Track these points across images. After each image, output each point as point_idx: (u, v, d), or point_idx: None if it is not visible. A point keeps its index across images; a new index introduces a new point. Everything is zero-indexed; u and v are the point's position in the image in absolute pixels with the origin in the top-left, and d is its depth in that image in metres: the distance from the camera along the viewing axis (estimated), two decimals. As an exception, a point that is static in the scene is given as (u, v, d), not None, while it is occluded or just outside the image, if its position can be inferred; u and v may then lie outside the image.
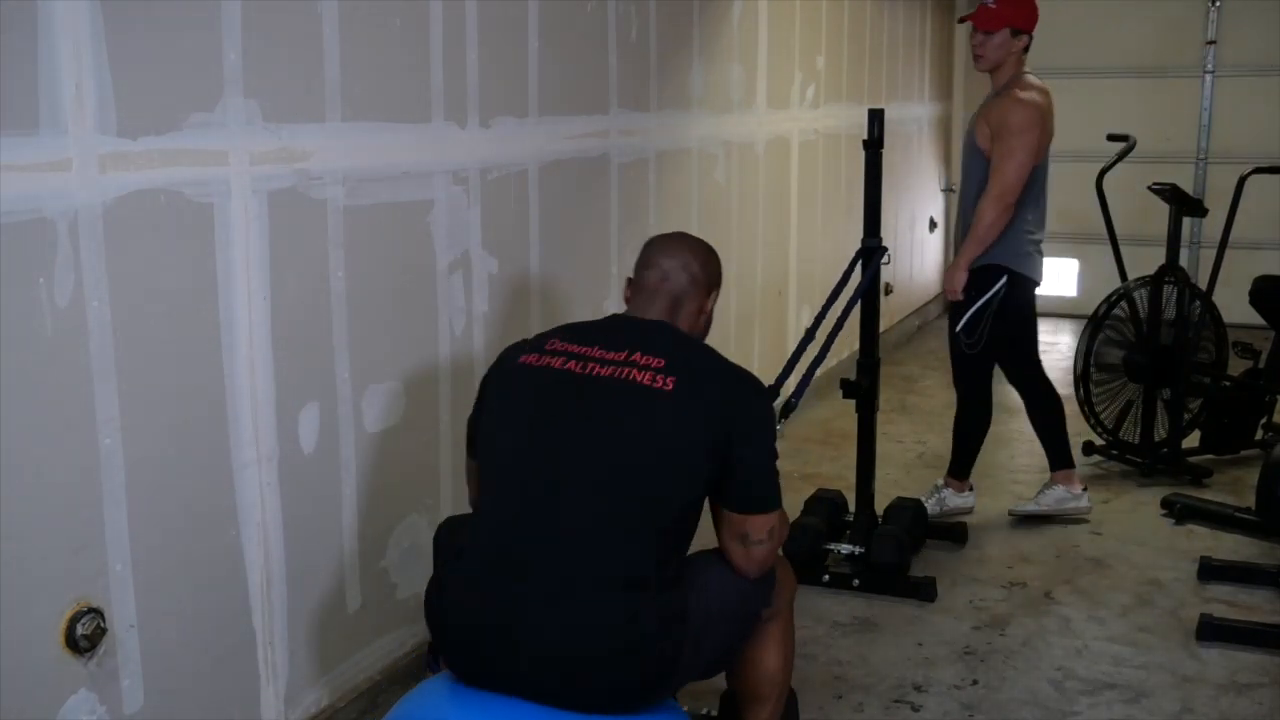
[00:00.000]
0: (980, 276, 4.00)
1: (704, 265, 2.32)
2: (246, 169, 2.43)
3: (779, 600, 2.30)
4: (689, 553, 2.17)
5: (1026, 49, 4.02)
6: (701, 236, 2.46)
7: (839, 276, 3.74)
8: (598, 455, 2.04)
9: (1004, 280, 3.98)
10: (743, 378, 2.17)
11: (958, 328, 4.04)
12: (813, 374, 3.35)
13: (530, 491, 2.06)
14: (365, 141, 2.77)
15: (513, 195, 3.34)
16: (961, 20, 4.19)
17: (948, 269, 4.09)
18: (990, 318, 3.99)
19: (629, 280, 2.36)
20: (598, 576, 1.99)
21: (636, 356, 2.09)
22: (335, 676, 2.82)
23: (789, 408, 3.13)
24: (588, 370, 2.10)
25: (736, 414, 2.08)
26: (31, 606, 2.08)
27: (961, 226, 4.11)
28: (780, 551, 2.29)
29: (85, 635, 2.14)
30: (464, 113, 3.09)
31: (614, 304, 3.95)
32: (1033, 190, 4.02)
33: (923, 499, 4.11)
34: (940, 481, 4.39)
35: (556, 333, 2.25)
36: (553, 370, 2.13)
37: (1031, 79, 4.04)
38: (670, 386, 2.04)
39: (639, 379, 2.06)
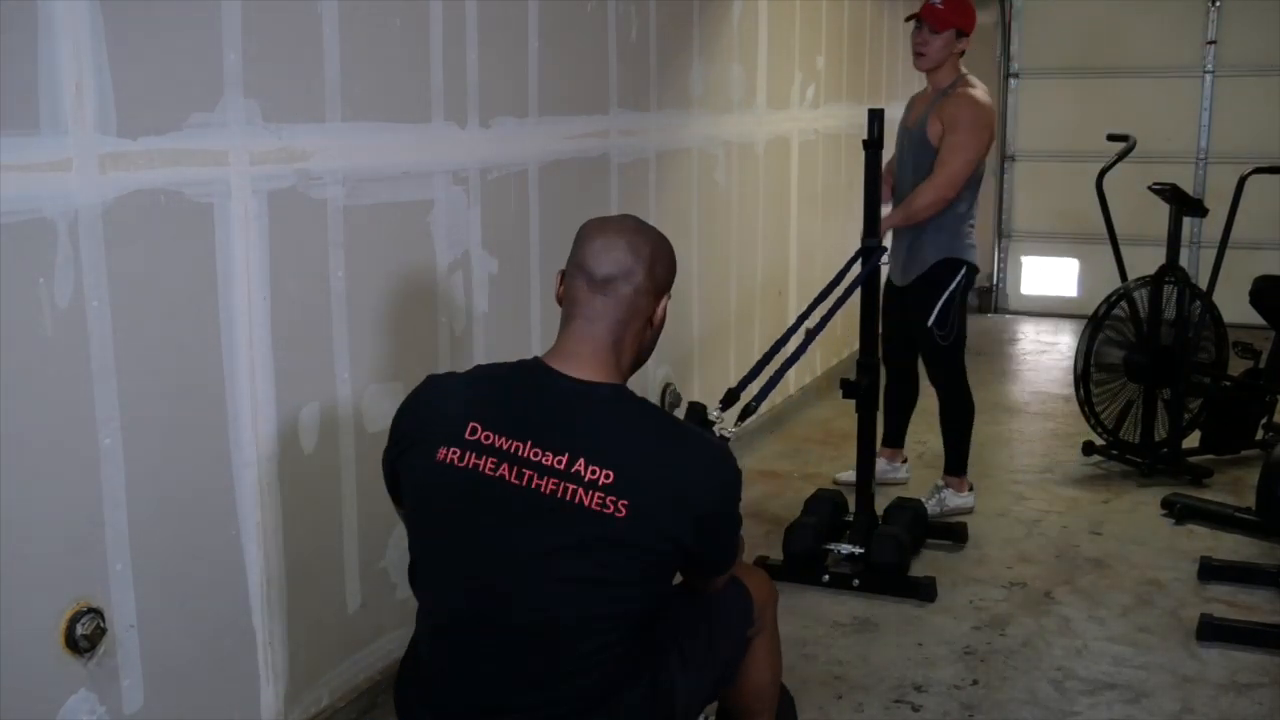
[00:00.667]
0: (940, 270, 4.13)
1: (651, 266, 1.90)
2: (246, 169, 2.43)
3: (762, 616, 2.24)
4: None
5: (963, 53, 4.16)
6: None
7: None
8: (554, 593, 1.81)
9: (964, 271, 4.15)
10: (699, 458, 1.86)
11: (929, 321, 4.13)
12: (781, 375, 3.28)
13: (487, 629, 1.85)
14: (365, 141, 2.77)
15: (513, 195, 3.34)
16: (909, 19, 4.18)
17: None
18: (958, 308, 4.15)
19: (561, 274, 1.95)
20: (574, 707, 1.86)
21: (579, 467, 1.77)
22: (335, 676, 2.82)
23: (748, 410, 3.04)
24: (526, 483, 1.79)
25: (699, 508, 1.83)
26: (31, 606, 2.08)
27: (914, 226, 4.16)
28: (760, 566, 2.25)
29: (85, 635, 2.14)
30: (464, 113, 3.09)
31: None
32: (973, 186, 4.17)
33: (923, 500, 4.11)
34: (940, 481, 4.39)
35: (475, 408, 1.86)
36: (482, 478, 1.80)
37: (976, 80, 4.20)
38: (624, 513, 1.76)
39: (587, 503, 1.76)
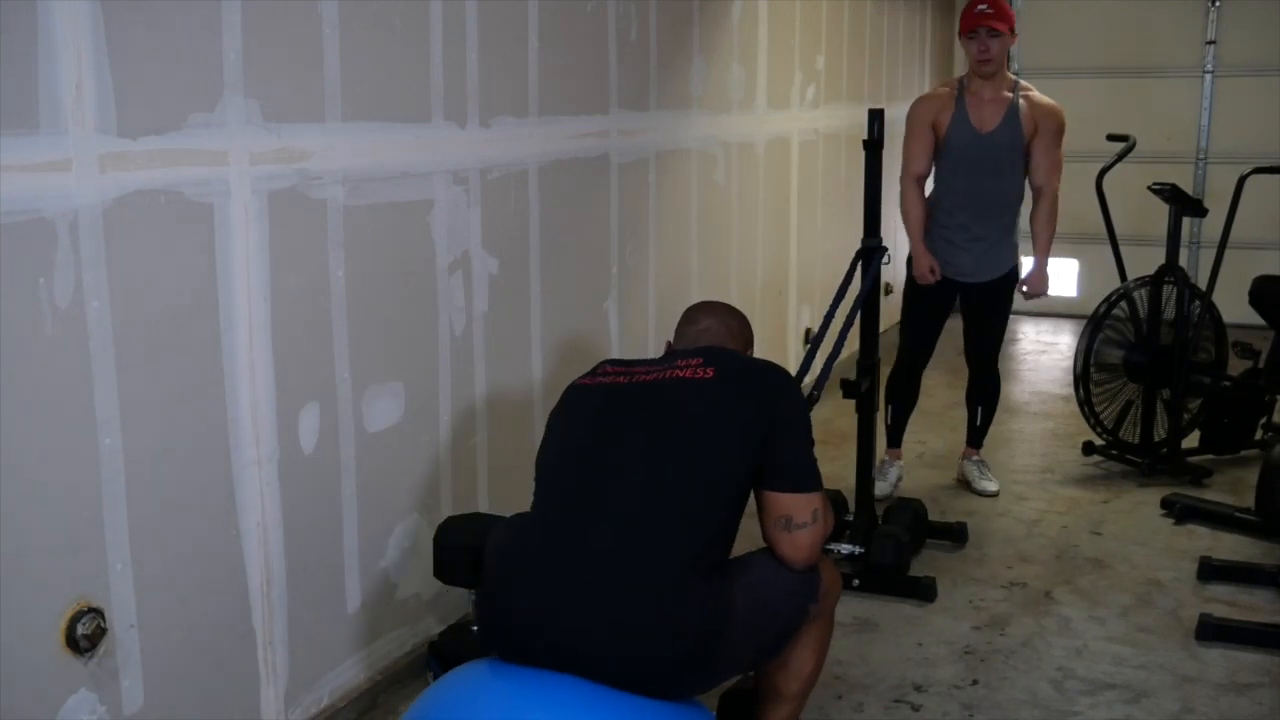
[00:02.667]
0: (1017, 269, 4.44)
1: (740, 325, 2.56)
2: (246, 169, 2.43)
3: (825, 601, 2.33)
4: (739, 554, 2.24)
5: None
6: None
7: (839, 277, 3.74)
8: (646, 442, 2.14)
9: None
10: (777, 369, 2.33)
11: (1008, 315, 4.50)
12: (829, 369, 3.44)
13: (582, 478, 2.16)
14: (365, 141, 2.77)
15: (513, 195, 3.34)
16: (973, 27, 4.15)
17: (1038, 271, 4.42)
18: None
19: (668, 344, 2.53)
20: (648, 555, 2.03)
21: (678, 362, 2.26)
22: (335, 676, 2.82)
23: (811, 400, 3.15)
24: (634, 379, 2.26)
25: (774, 399, 2.21)
26: (31, 606, 2.08)
27: (998, 226, 4.31)
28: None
29: (85, 635, 2.14)
30: (464, 113, 3.09)
31: (614, 303, 3.95)
32: None
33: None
34: (976, 456, 4.72)
35: (606, 362, 2.41)
36: (602, 385, 2.29)
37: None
38: (710, 374, 2.20)
39: (681, 374, 2.22)
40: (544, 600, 2.04)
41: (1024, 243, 4.42)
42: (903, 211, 4.36)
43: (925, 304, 4.39)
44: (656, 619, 2.00)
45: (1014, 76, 4.30)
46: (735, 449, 2.14)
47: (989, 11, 4.11)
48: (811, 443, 2.27)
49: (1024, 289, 4.42)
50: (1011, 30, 4.17)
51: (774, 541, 2.22)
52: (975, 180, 4.25)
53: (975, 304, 4.43)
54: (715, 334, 2.48)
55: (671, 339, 2.56)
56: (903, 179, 4.35)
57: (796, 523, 2.19)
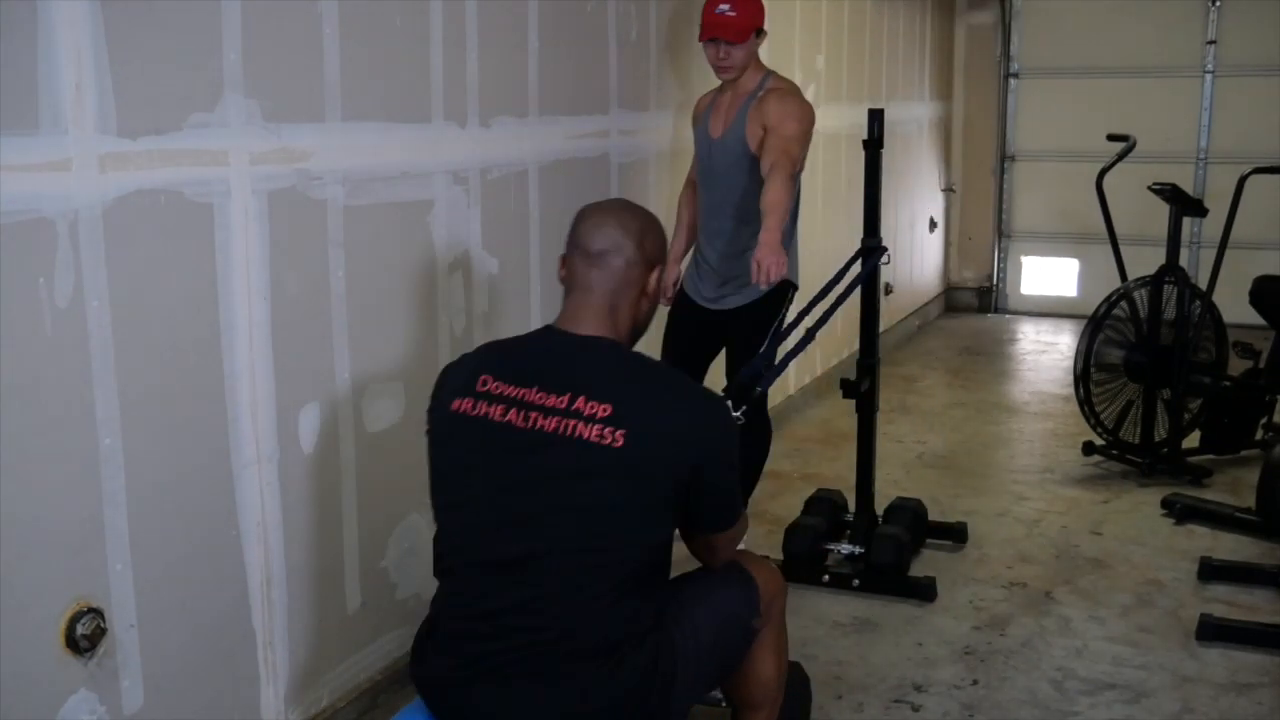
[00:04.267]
0: (777, 294, 3.57)
1: (640, 242, 2.05)
2: (246, 169, 2.43)
3: (770, 609, 2.26)
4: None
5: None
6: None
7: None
8: (556, 524, 1.90)
9: (792, 293, 3.70)
10: (696, 407, 1.97)
11: (761, 350, 3.42)
12: (785, 365, 3.23)
13: (492, 565, 1.94)
14: (365, 141, 2.77)
15: (513, 195, 3.34)
16: (706, 39, 3.52)
17: (764, 250, 3.12)
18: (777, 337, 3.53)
19: (563, 258, 2.10)
20: (572, 648, 1.90)
21: (580, 404, 1.89)
22: (335, 676, 2.82)
23: (757, 397, 2.98)
24: (530, 423, 1.91)
25: (695, 452, 1.92)
26: (31, 606, 2.08)
27: (734, 244, 3.61)
28: (769, 558, 2.26)
29: (85, 635, 2.14)
30: (464, 113, 3.09)
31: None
32: (798, 192, 3.63)
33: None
34: None
35: (487, 363, 2.02)
36: (491, 424, 1.93)
37: (783, 76, 3.69)
38: (621, 442, 1.86)
39: (586, 435, 1.87)
40: (478, 708, 1.93)
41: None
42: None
43: (675, 329, 3.76)
44: (593, 710, 1.91)
45: (765, 70, 3.63)
46: (653, 520, 1.94)
47: (730, 14, 3.46)
48: (735, 474, 2.06)
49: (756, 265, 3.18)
50: (758, 32, 3.53)
51: (695, 554, 2.18)
52: (709, 194, 3.67)
53: (729, 336, 3.68)
54: (614, 267, 2.02)
55: (564, 254, 2.09)
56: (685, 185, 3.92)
57: (720, 551, 2.17)
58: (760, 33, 3.57)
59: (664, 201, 4.22)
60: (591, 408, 1.89)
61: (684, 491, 1.94)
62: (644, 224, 2.09)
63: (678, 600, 2.08)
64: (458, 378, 2.03)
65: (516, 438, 1.91)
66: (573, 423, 1.89)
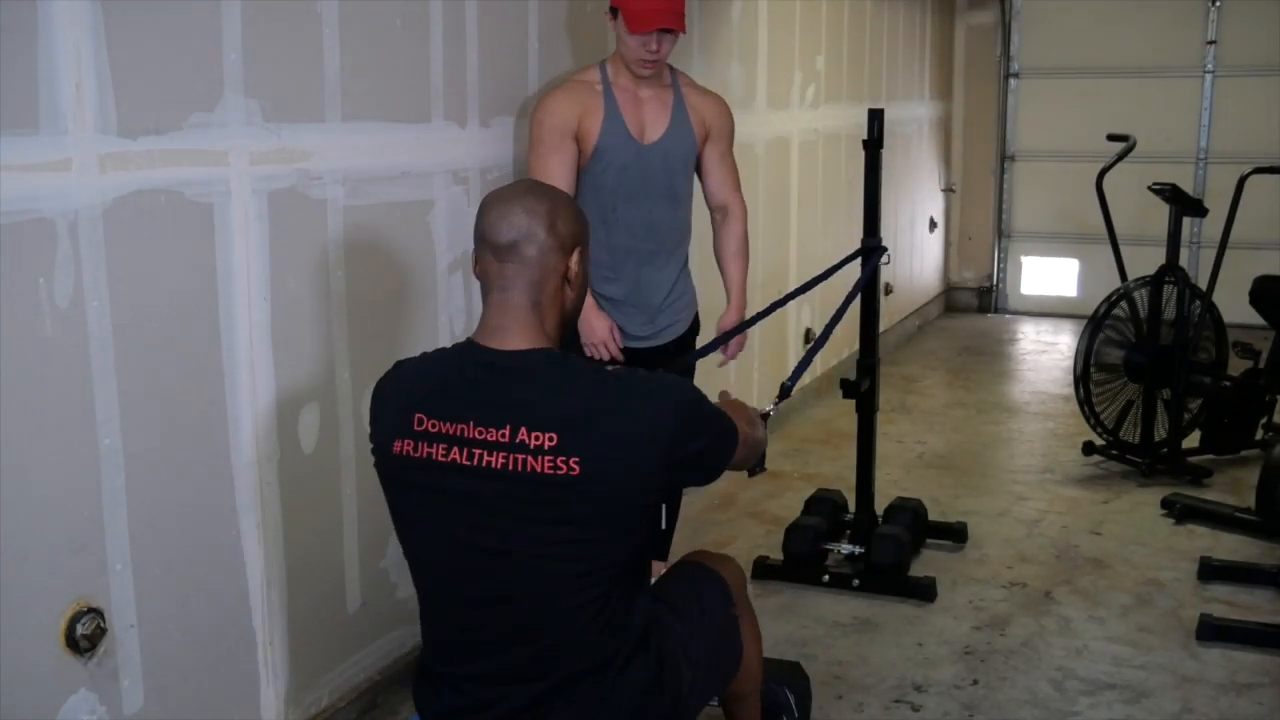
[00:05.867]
0: (696, 326, 3.36)
1: (552, 225, 1.87)
2: (246, 169, 2.43)
3: (740, 598, 2.28)
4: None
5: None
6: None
7: (841, 277, 3.73)
8: (526, 556, 1.82)
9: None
10: (640, 405, 1.82)
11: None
12: (809, 360, 3.20)
13: (469, 609, 1.89)
14: (365, 141, 2.77)
15: (513, 195, 3.33)
16: (653, 30, 3.00)
17: (728, 316, 3.24)
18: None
19: (474, 256, 1.93)
20: (566, 674, 1.86)
21: (523, 435, 1.78)
22: (335, 676, 2.82)
23: (784, 390, 2.92)
24: (477, 461, 1.80)
25: (656, 450, 1.81)
26: (31, 606, 2.08)
27: (674, 266, 3.23)
28: (724, 552, 2.28)
29: (85, 635, 2.14)
30: (464, 113, 3.09)
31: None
32: None
33: None
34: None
35: (415, 399, 1.87)
36: (437, 465, 1.82)
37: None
38: (577, 470, 1.76)
39: (538, 468, 1.77)
40: None
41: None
42: None
43: None
44: (618, 700, 1.89)
45: (670, 68, 3.24)
46: (630, 527, 1.85)
47: (676, 10, 3.02)
48: (719, 430, 1.96)
49: (724, 350, 3.28)
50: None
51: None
52: (635, 210, 3.13)
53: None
54: (527, 258, 1.85)
55: (474, 251, 1.93)
56: None
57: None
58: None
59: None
60: (536, 438, 1.77)
61: (667, 478, 1.86)
62: (553, 204, 1.89)
63: (664, 603, 2.08)
64: (390, 412, 1.90)
65: (468, 478, 1.81)
66: (521, 457, 1.78)
